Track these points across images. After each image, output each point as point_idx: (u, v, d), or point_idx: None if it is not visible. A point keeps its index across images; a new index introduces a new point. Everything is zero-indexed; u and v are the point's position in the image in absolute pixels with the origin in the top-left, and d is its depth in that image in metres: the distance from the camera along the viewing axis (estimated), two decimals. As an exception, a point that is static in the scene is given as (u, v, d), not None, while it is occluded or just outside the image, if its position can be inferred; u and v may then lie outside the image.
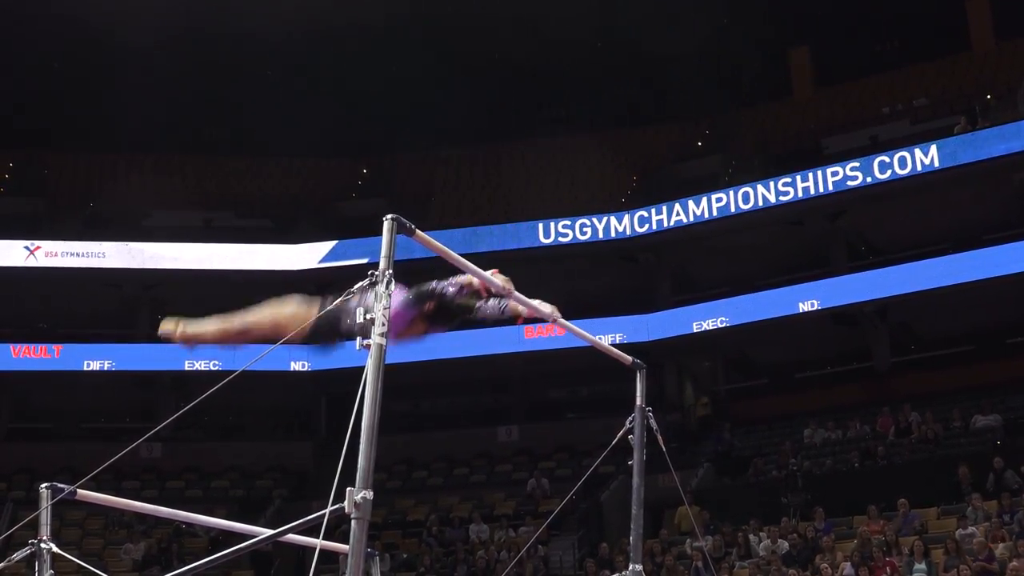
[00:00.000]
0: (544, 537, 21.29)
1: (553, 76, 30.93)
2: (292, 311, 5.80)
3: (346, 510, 4.21)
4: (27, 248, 26.93)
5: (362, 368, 4.39)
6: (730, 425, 25.06)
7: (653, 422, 7.20)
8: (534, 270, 25.12)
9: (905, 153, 24.01)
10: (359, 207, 30.23)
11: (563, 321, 6.14)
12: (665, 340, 25.86)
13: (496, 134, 31.64)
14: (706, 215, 25.67)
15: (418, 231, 4.77)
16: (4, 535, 16.41)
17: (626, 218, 26.52)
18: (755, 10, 30.27)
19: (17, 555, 6.36)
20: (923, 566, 16.71)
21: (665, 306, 26.68)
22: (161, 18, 27.97)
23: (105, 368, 26.87)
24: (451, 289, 5.72)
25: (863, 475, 21.15)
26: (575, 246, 26.63)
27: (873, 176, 24.20)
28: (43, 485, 6.02)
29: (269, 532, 5.80)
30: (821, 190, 24.71)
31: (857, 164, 24.49)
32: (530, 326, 26.23)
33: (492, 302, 5.86)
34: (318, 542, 4.72)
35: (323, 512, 4.42)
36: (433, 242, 4.93)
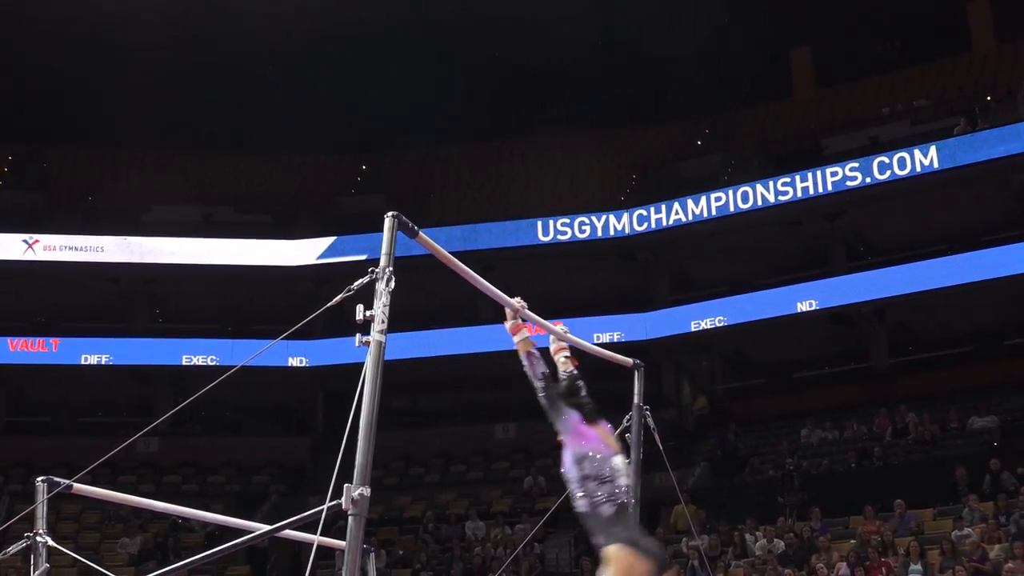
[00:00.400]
0: (540, 535, 21.29)
1: (553, 75, 30.92)
2: None
3: (343, 506, 4.21)
4: (26, 242, 26.92)
5: (361, 364, 4.39)
6: (735, 426, 25.00)
7: (651, 421, 7.21)
8: (533, 268, 25.18)
9: (904, 154, 24.00)
10: (358, 204, 30.23)
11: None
12: (663, 339, 25.86)
13: (496, 132, 31.62)
14: (705, 214, 25.65)
15: (420, 233, 4.77)
16: (0, 528, 16.41)
17: (625, 216, 26.51)
18: (756, 10, 30.26)
19: (13, 548, 6.37)
20: (919, 567, 16.72)
21: (663, 305, 26.67)
22: (161, 15, 27.99)
23: (103, 362, 26.87)
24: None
25: (860, 475, 21.16)
26: (574, 244, 26.61)
27: (872, 177, 24.19)
28: (39, 479, 6.04)
29: (265, 528, 5.81)
30: (820, 190, 24.70)
31: (856, 164, 24.48)
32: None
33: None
34: (315, 538, 4.72)
35: (320, 508, 4.42)
36: (435, 245, 4.94)
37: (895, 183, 24.03)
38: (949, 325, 25.75)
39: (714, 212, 25.57)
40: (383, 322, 4.41)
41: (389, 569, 21.50)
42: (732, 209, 25.41)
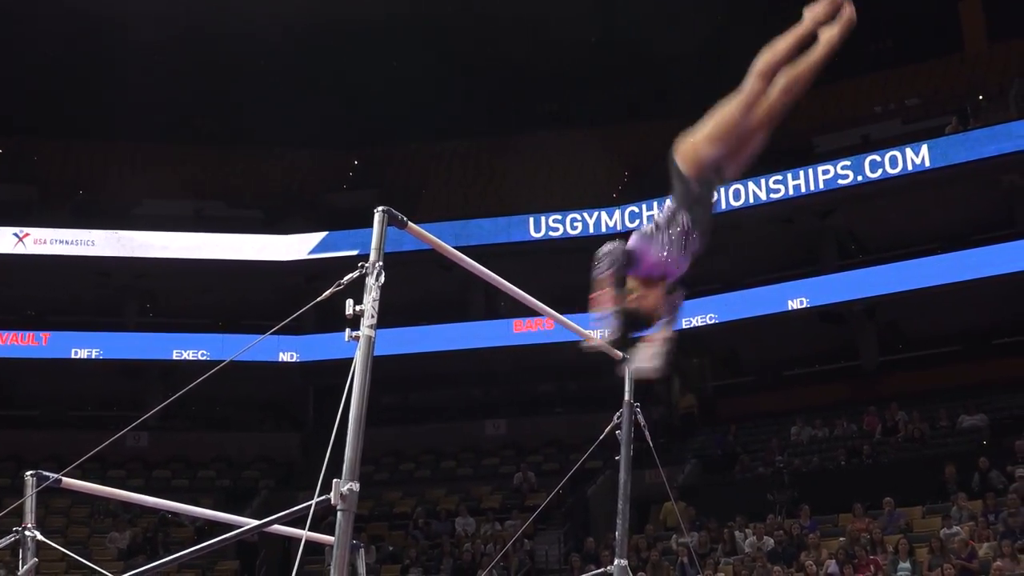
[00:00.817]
0: (530, 531, 21.32)
1: (547, 72, 30.88)
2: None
3: (332, 502, 4.21)
4: (16, 235, 26.86)
5: (350, 360, 4.39)
6: (734, 427, 24.95)
7: (641, 418, 7.22)
8: (524, 264, 25.17)
9: (896, 152, 24.06)
10: (350, 199, 30.21)
11: (551, 312, 6.11)
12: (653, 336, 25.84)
13: (489, 129, 31.59)
14: (696, 212, 25.63)
15: (410, 223, 4.77)
16: (-11, 522, 16.38)
17: (617, 213, 26.53)
18: (749, 9, 30.26)
19: (1, 542, 6.35)
20: (907, 565, 16.77)
21: (654, 302, 26.65)
22: (157, 11, 27.93)
23: (93, 356, 26.83)
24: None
25: (849, 473, 21.22)
26: (566, 240, 26.63)
27: (864, 175, 24.25)
28: (28, 473, 6.02)
29: (255, 522, 5.80)
30: (812, 188, 24.74)
31: (848, 163, 24.53)
32: (520, 320, 26.26)
33: None
34: (304, 533, 4.72)
35: (309, 503, 4.42)
36: (424, 233, 4.93)
37: (886, 182, 24.07)
38: (939, 324, 25.82)
39: (705, 210, 25.55)
40: (373, 317, 4.41)
41: (379, 565, 21.51)
42: (723, 207, 25.41)
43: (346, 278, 4.58)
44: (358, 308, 4.41)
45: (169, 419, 27.66)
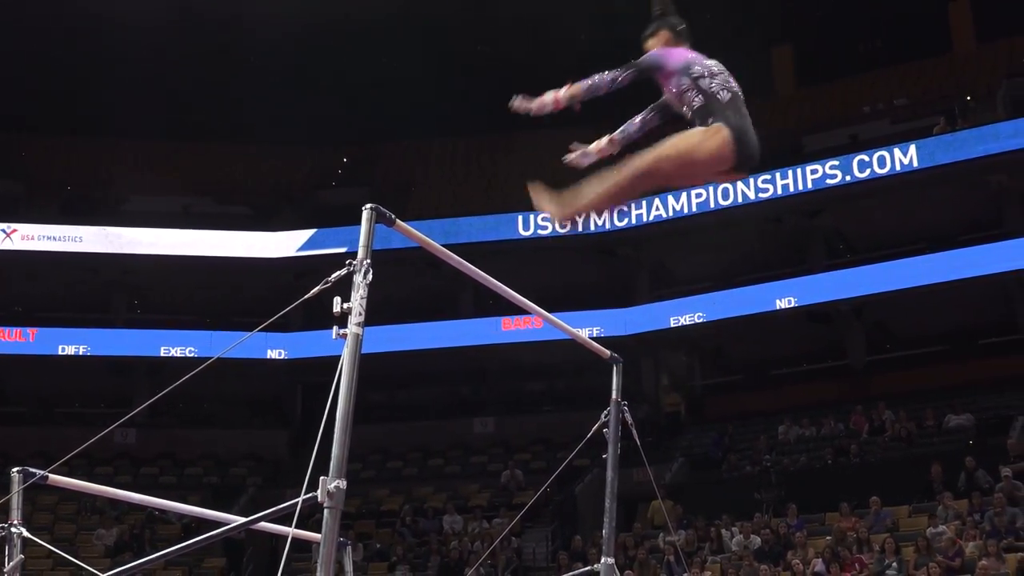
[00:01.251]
0: (517, 529, 21.32)
1: (536, 71, 30.76)
2: (698, 140, 5.36)
3: (319, 499, 4.21)
4: (3, 231, 26.79)
5: (338, 357, 4.39)
6: (731, 427, 24.95)
7: (629, 416, 7.23)
8: (513, 262, 25.18)
9: (884, 152, 24.11)
10: (339, 196, 30.16)
11: (540, 311, 6.08)
12: (642, 334, 25.91)
13: (479, 127, 31.57)
14: (685, 210, 25.71)
15: (398, 221, 4.77)
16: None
17: (605, 212, 26.50)
18: (738, 9, 30.30)
19: (-12, 539, 6.33)
20: (894, 563, 16.81)
21: (643, 300, 26.74)
22: (146, 5, 27.84)
23: (80, 353, 26.77)
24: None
25: (836, 472, 21.26)
26: (554, 239, 26.63)
27: (852, 175, 24.30)
28: (15, 469, 6.00)
29: (242, 520, 5.80)
30: (800, 188, 24.79)
31: (836, 163, 24.58)
32: (508, 318, 26.26)
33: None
34: (291, 530, 4.72)
35: (296, 500, 4.42)
36: (412, 231, 4.94)
37: (875, 181, 24.14)
38: (926, 324, 25.90)
39: (694, 208, 25.63)
40: (360, 315, 4.41)
41: (366, 562, 21.49)
42: (712, 206, 25.48)
43: (334, 276, 4.58)
44: (346, 306, 4.41)
45: (156, 416, 27.62)
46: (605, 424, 7.16)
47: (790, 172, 24.92)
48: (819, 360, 27.46)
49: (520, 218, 26.83)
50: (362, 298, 4.42)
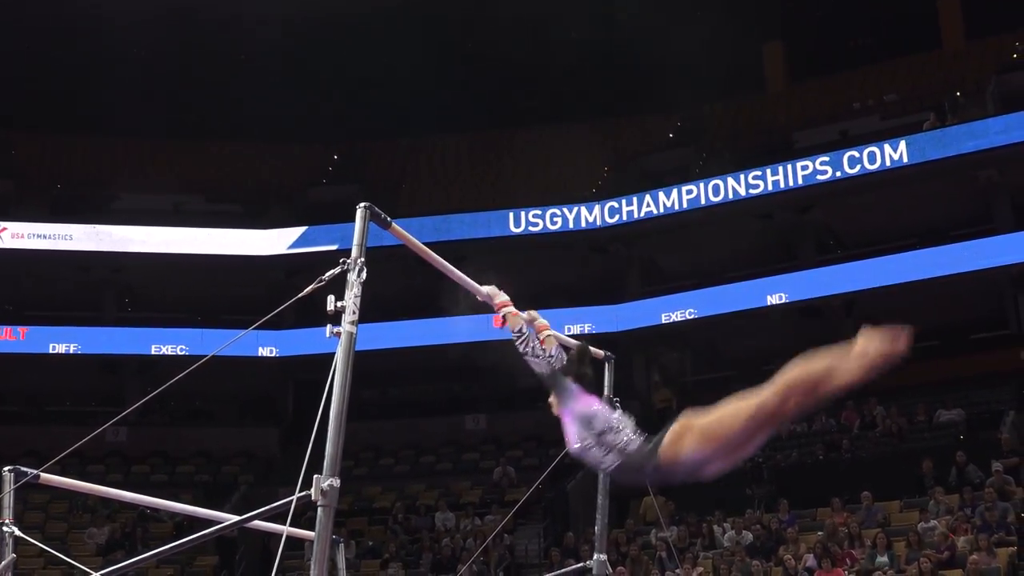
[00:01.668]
0: (510, 526, 21.32)
1: (526, 69, 30.91)
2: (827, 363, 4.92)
3: (312, 497, 4.22)
4: (-7, 229, 26.73)
5: (331, 355, 4.39)
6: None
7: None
8: (504, 259, 25.16)
9: (875, 148, 24.14)
10: (330, 193, 30.11)
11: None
12: (633, 331, 25.92)
13: (468, 123, 31.59)
14: (676, 207, 25.72)
15: (393, 224, 4.77)
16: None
17: (596, 208, 26.55)
18: (728, 5, 30.34)
19: (-20, 538, 6.31)
20: (885, 558, 16.86)
21: (634, 297, 26.74)
22: (137, 2, 27.78)
23: (71, 351, 26.70)
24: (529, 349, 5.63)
25: (828, 468, 21.29)
26: (545, 236, 26.64)
27: (843, 170, 24.33)
28: (6, 468, 6.00)
29: (234, 518, 5.80)
30: (791, 184, 24.80)
31: (827, 158, 24.60)
32: (499, 315, 26.24)
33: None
34: (284, 528, 4.72)
35: (289, 499, 4.42)
36: (407, 235, 4.95)
37: (865, 177, 24.16)
38: (917, 319, 25.78)
39: (685, 205, 25.64)
40: (354, 313, 4.42)
41: (358, 560, 21.49)
42: (703, 202, 25.49)
43: (327, 274, 4.59)
44: (340, 304, 4.41)
45: (148, 414, 27.54)
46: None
47: (780, 168, 24.93)
48: (810, 356, 27.46)
49: (511, 215, 26.83)
50: (356, 296, 4.43)
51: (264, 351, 27.11)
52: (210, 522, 6.57)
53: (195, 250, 27.24)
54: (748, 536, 19.05)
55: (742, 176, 25.21)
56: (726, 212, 25.33)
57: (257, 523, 5.97)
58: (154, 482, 25.18)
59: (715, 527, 19.77)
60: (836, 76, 29.97)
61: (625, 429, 5.23)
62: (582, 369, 5.45)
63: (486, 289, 5.64)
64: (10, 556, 6.06)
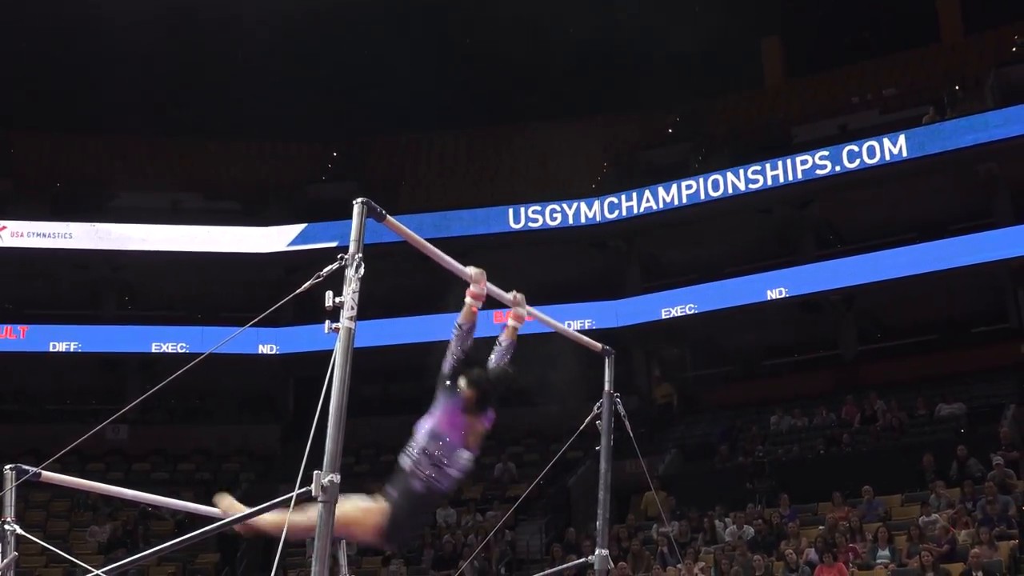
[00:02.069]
0: (511, 522, 21.34)
1: (525, 65, 30.90)
2: (358, 514, 5.50)
3: (313, 493, 4.22)
4: (-8, 228, 26.72)
5: (330, 351, 4.39)
6: (739, 421, 24.91)
7: (621, 408, 7.24)
8: (504, 255, 25.16)
9: (874, 142, 24.13)
10: (329, 191, 30.11)
11: (529, 308, 6.15)
12: (634, 326, 25.92)
13: (467, 120, 31.58)
14: (676, 202, 25.71)
15: (388, 216, 4.76)
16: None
17: (596, 204, 26.54)
18: (727, 0, 30.33)
19: (-19, 537, 6.32)
20: (887, 552, 16.86)
21: (634, 292, 26.74)
22: (135, 1, 27.76)
23: (71, 350, 26.70)
24: (458, 337, 5.69)
25: (828, 462, 21.30)
26: (545, 232, 26.64)
27: (842, 165, 24.31)
28: (7, 466, 6.00)
29: (235, 515, 5.79)
30: (790, 178, 24.80)
31: (826, 153, 24.59)
32: (499, 311, 26.23)
33: (498, 350, 5.86)
34: (285, 525, 4.72)
35: (290, 495, 4.42)
36: (401, 227, 4.93)
37: (864, 171, 24.15)
38: (917, 313, 25.95)
39: (685, 200, 25.63)
40: (353, 309, 4.42)
41: (359, 556, 21.48)
42: (703, 197, 25.48)
43: (325, 270, 4.58)
44: (338, 300, 4.41)
45: (148, 412, 27.56)
46: (598, 416, 7.17)
47: (780, 163, 24.93)
48: (810, 350, 27.51)
49: (511, 211, 26.82)
50: (354, 292, 4.42)
51: (264, 348, 27.11)
52: (211, 519, 6.57)
53: (195, 248, 27.24)
54: (749, 531, 19.06)
55: (741, 171, 25.20)
56: (725, 207, 25.32)
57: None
58: (155, 480, 25.19)
59: (716, 522, 19.77)
60: (835, 71, 29.95)
61: (443, 471, 5.53)
62: (483, 386, 5.50)
63: (473, 270, 5.62)
64: (12, 554, 6.06)
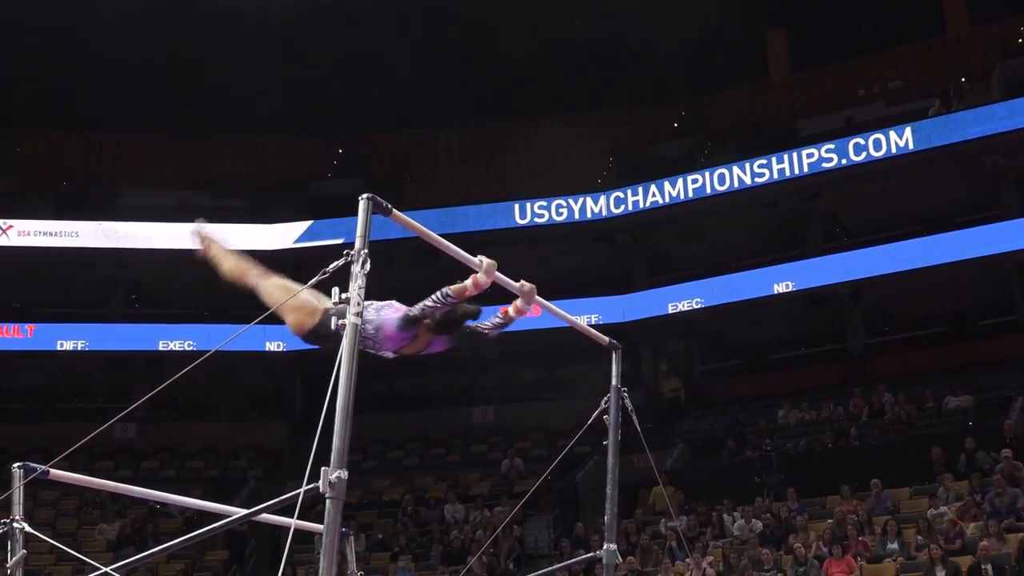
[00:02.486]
0: (519, 517, 21.36)
1: (529, 60, 30.85)
2: (299, 303, 5.70)
3: (321, 490, 4.22)
4: (-1, 227, 26.76)
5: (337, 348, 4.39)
6: (741, 416, 24.88)
7: (628, 402, 7.23)
8: (510, 251, 25.16)
9: (880, 135, 24.08)
10: (335, 187, 30.12)
11: (539, 299, 6.14)
12: (641, 321, 25.91)
13: (474, 117, 31.56)
14: (682, 196, 25.69)
15: (395, 211, 4.76)
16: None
17: (602, 199, 26.52)
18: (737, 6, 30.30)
19: (-10, 535, 6.32)
20: (895, 545, 16.85)
21: (641, 287, 26.73)
22: (138, -1, 27.79)
23: (79, 348, 26.74)
24: (439, 304, 5.50)
25: (836, 455, 21.28)
26: (551, 227, 26.62)
27: (848, 158, 24.27)
28: (16, 465, 6.00)
29: (243, 512, 5.80)
30: (796, 172, 24.76)
31: (832, 146, 24.55)
32: (505, 307, 26.23)
33: (489, 322, 5.87)
34: (293, 522, 4.72)
35: (298, 492, 4.42)
36: (409, 221, 4.93)
37: (870, 164, 24.11)
38: (924, 306, 25.91)
39: (691, 194, 25.61)
40: (359, 305, 4.41)
41: (368, 553, 21.52)
42: (709, 191, 25.45)
43: (331, 266, 4.58)
44: (344, 296, 4.41)
45: (156, 410, 27.61)
46: (605, 411, 7.17)
47: (786, 156, 24.89)
48: (818, 344, 27.48)
49: (517, 206, 26.80)
50: (360, 288, 4.42)
51: (271, 346, 27.13)
52: (220, 516, 6.58)
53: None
54: (758, 525, 19.05)
55: (747, 165, 25.17)
56: (732, 201, 25.30)
57: (266, 516, 5.97)
58: (163, 477, 25.24)
59: (724, 516, 19.77)
60: (840, 63, 29.90)
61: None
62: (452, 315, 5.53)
63: (487, 260, 5.55)
64: (21, 553, 6.07)
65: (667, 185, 25.83)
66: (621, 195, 26.37)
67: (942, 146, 23.49)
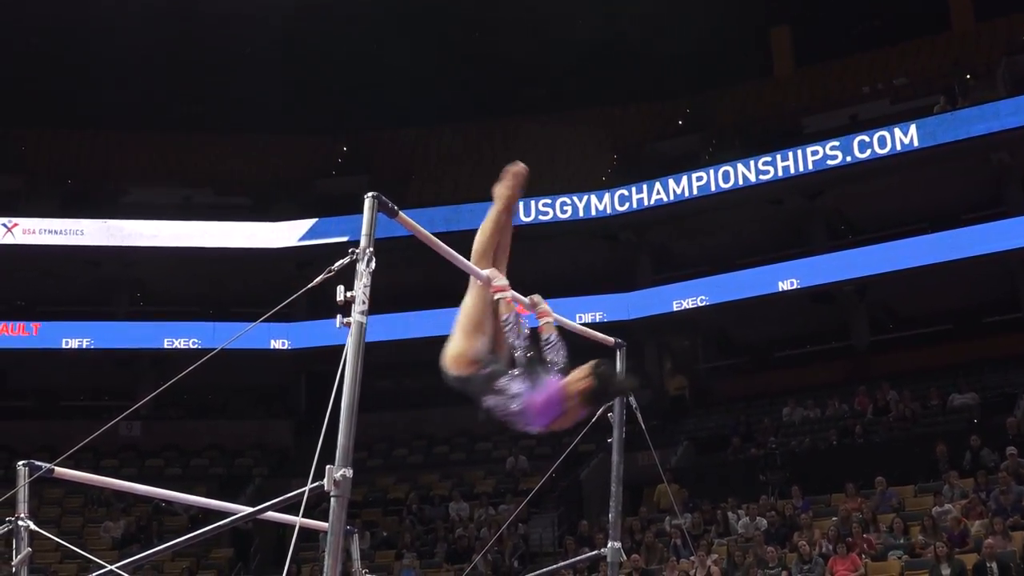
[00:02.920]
0: (524, 515, 21.35)
1: (533, 57, 30.85)
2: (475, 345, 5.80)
3: (326, 488, 4.21)
4: (4, 225, 26.78)
5: (342, 346, 4.38)
6: (744, 416, 24.84)
7: (633, 400, 7.23)
8: (514, 248, 25.14)
9: (885, 132, 24.06)
10: (339, 185, 30.14)
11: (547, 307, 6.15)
12: (645, 318, 25.91)
13: (477, 113, 31.55)
14: (686, 194, 25.68)
15: (400, 213, 4.76)
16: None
17: (606, 197, 26.52)
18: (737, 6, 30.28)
19: (-5, 533, 6.33)
20: (901, 543, 16.83)
21: (645, 285, 26.72)
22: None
23: (84, 346, 26.78)
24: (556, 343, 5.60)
25: (841, 453, 21.25)
26: (555, 225, 26.62)
27: (853, 155, 24.25)
28: (21, 463, 6.01)
29: (249, 510, 5.80)
30: (801, 169, 24.75)
31: (837, 143, 24.52)
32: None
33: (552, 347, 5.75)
34: (298, 520, 4.72)
35: (303, 490, 4.42)
36: (414, 224, 4.93)
37: (875, 161, 24.09)
38: (929, 303, 25.88)
39: (695, 192, 25.60)
40: (364, 303, 4.41)
41: (373, 551, 21.53)
42: (713, 189, 25.45)
43: (336, 265, 4.58)
44: (349, 294, 4.41)
45: (161, 408, 27.64)
46: (610, 409, 7.16)
47: (790, 154, 24.88)
48: (823, 341, 27.45)
49: (521, 204, 26.67)
50: (365, 286, 4.42)
51: (276, 344, 27.16)
52: (225, 514, 6.58)
53: (206, 243, 27.27)
54: (762, 522, 19.04)
55: (752, 162, 25.16)
56: (736, 198, 25.29)
57: (271, 514, 5.97)
58: (168, 475, 25.26)
59: (729, 514, 19.75)
60: (845, 60, 29.87)
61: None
62: (606, 384, 5.44)
63: (486, 272, 5.62)
64: (26, 550, 6.07)
65: (671, 183, 25.82)
66: (625, 193, 26.36)
67: (947, 143, 23.47)
